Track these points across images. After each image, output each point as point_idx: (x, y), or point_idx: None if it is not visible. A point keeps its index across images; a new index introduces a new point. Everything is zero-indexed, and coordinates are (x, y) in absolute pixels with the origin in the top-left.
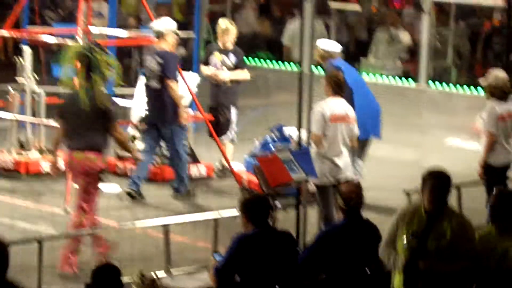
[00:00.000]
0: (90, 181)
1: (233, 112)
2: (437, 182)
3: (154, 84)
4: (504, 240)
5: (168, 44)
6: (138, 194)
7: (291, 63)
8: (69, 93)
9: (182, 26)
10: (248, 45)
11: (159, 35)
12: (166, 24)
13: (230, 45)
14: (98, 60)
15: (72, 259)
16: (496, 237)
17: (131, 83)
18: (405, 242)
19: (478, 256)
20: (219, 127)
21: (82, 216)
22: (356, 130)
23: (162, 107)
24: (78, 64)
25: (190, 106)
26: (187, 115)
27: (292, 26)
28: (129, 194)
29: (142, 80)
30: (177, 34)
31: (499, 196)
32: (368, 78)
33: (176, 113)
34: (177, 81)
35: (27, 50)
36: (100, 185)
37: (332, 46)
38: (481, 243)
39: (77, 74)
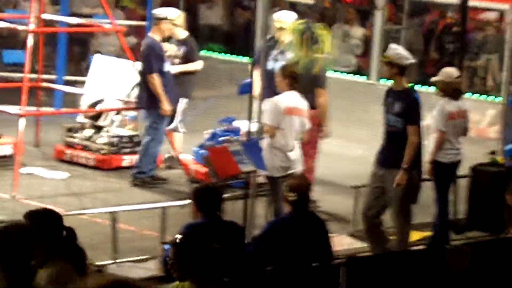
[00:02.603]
0: (312, 133)
1: (182, 102)
2: None
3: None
4: None
5: (162, 31)
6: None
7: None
8: (291, 60)
9: (133, 15)
10: (202, 37)
11: (155, 21)
12: (164, 12)
13: (179, 35)
14: (317, 34)
15: None
16: None
17: (83, 71)
18: None
19: None
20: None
21: (312, 162)
22: (308, 124)
23: (143, 91)
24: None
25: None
26: (168, 107)
27: None
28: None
29: (94, 67)
30: (174, 24)
31: (178, 247)
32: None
33: (153, 101)
34: (153, 72)
35: None
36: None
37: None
38: None
39: (299, 45)
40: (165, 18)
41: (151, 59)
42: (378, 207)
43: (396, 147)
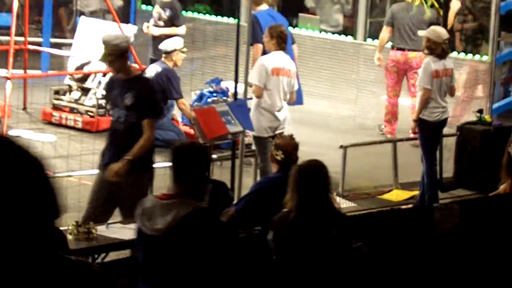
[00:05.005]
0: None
1: None
2: None
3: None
4: None
5: (174, 61)
6: None
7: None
8: (403, 2)
9: None
10: None
11: (165, 54)
12: (171, 44)
13: None
14: None
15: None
16: None
17: (68, 34)
18: None
19: None
20: None
21: None
22: (296, 85)
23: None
24: None
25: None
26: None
27: None
28: None
29: (80, 29)
30: (182, 52)
31: None
32: (306, 33)
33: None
34: (181, 97)
35: None
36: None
37: None
38: None
39: None
40: (175, 50)
41: (173, 85)
42: (108, 213)
43: (128, 147)
